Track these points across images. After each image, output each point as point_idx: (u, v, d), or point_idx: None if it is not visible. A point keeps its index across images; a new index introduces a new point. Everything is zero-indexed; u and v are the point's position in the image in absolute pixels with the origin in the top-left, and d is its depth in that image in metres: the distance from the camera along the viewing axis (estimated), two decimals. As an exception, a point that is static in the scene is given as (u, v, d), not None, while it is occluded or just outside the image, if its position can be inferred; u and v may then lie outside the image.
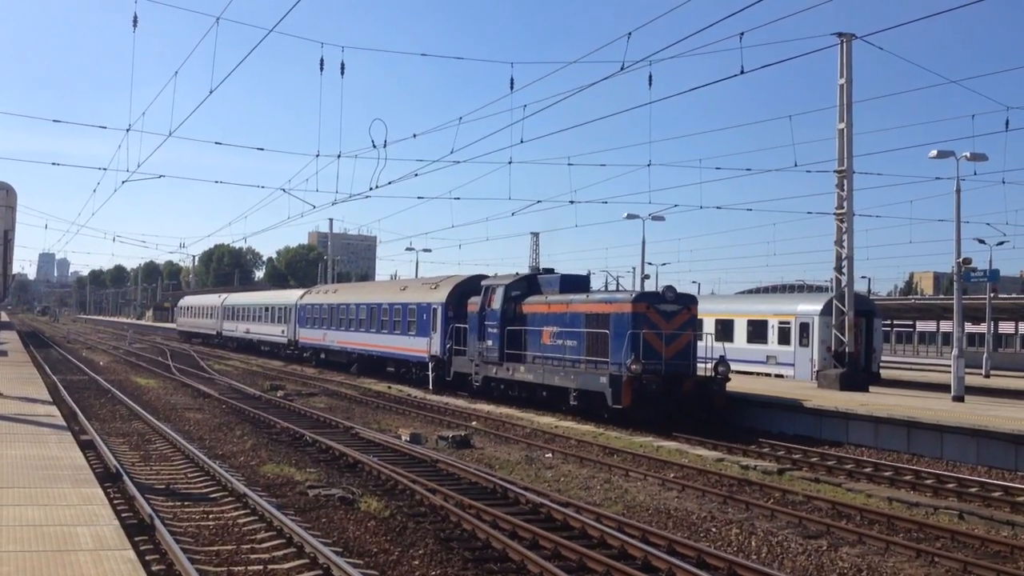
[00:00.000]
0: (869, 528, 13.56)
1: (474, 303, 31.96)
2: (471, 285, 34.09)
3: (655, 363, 24.30)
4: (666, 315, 24.97)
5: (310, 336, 49.10)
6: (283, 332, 53.71)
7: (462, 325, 32.61)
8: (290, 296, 55.31)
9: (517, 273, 31.72)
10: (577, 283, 30.18)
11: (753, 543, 12.58)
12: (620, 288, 57.15)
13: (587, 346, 26.10)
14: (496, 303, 30.28)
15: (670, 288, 25.75)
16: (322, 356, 47.88)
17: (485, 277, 34.33)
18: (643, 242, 57.13)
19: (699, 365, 25.99)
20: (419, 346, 36.10)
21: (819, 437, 23.23)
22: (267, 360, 53.69)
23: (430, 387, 34.56)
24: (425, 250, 78.66)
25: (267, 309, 57.67)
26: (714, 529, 13.39)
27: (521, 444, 21.78)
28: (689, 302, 25.90)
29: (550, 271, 31.43)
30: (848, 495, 16.14)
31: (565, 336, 27.22)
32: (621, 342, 24.45)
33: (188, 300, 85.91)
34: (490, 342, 30.36)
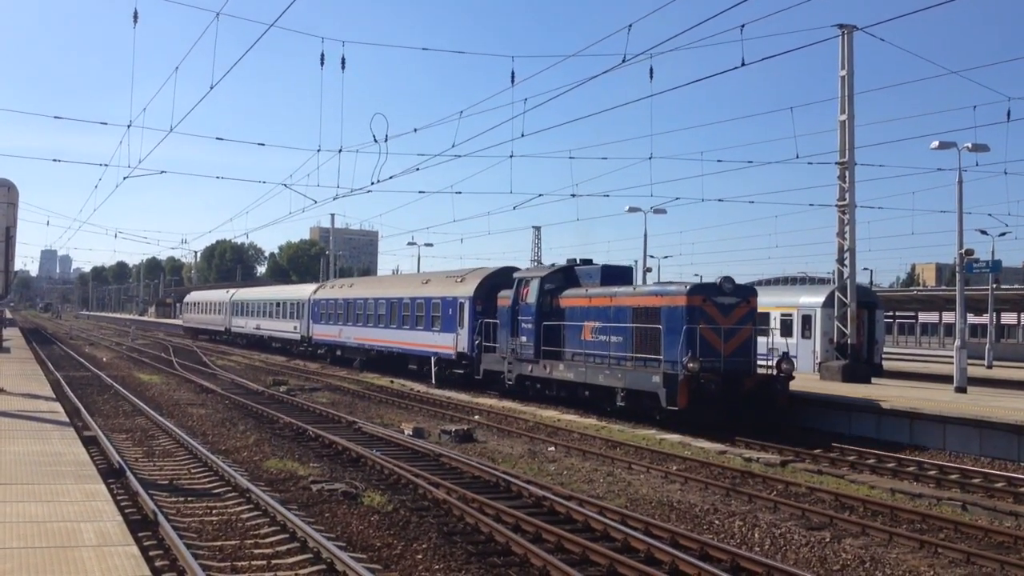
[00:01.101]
0: (872, 520, 13.56)
1: (505, 297, 30.40)
2: (500, 278, 32.70)
3: (713, 360, 22.43)
4: (724, 308, 23.11)
5: (324, 332, 47.69)
6: (295, 328, 52.33)
7: (491, 320, 31.19)
8: (303, 291, 53.80)
9: (553, 264, 30.09)
10: (620, 275, 28.41)
11: (756, 535, 12.58)
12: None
13: (635, 342, 24.28)
14: (531, 296, 28.64)
15: (728, 279, 23.65)
16: (337, 353, 46.46)
17: (514, 269, 33.04)
18: (645, 235, 57.23)
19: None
20: (444, 342, 34.55)
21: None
22: (270, 355, 53.73)
23: (433, 382, 34.57)
24: (427, 244, 78.77)
25: (278, 304, 56.20)
26: (717, 521, 13.39)
27: (524, 438, 21.79)
28: (748, 294, 23.95)
29: (588, 262, 29.51)
30: (851, 487, 16.14)
31: (609, 331, 25.31)
32: (675, 338, 22.62)
33: (195, 296, 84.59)
34: (524, 338, 28.70)
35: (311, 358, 48.97)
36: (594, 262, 29.33)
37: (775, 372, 23.13)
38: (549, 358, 27.54)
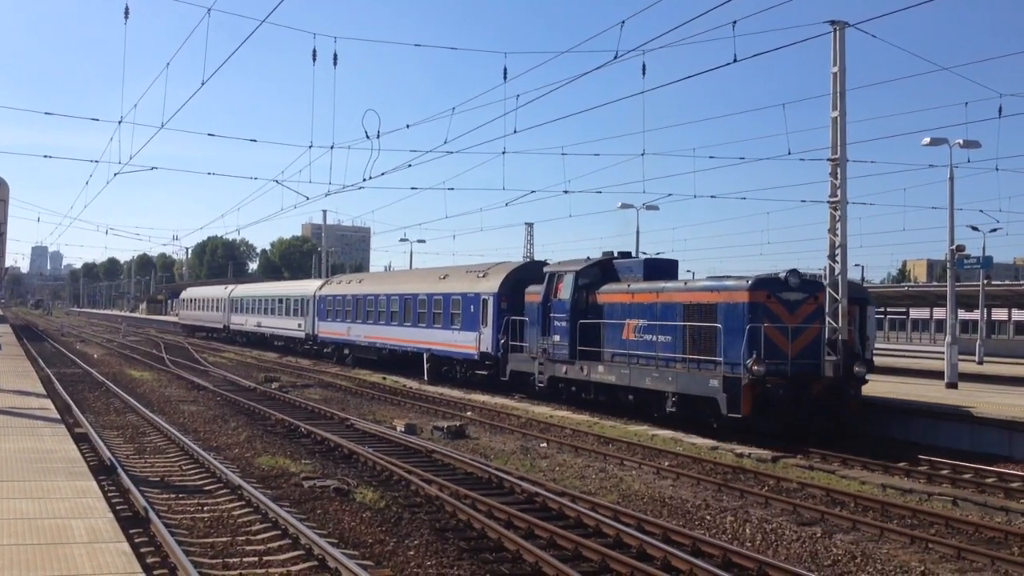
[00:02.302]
0: (863, 515, 13.61)
1: (534, 293, 28.47)
2: (526, 273, 30.98)
3: (779, 363, 20.41)
4: (790, 305, 21.14)
5: (331, 330, 45.61)
6: (300, 326, 50.18)
7: (519, 318, 29.30)
8: (307, 287, 51.68)
9: (588, 258, 28.00)
10: (664, 268, 26.29)
11: (748, 531, 12.61)
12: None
13: (687, 342, 22.22)
14: (564, 292, 26.66)
15: (794, 272, 21.65)
16: (345, 352, 44.45)
17: (541, 263, 31.11)
18: (637, 231, 57.57)
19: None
20: (465, 342, 32.53)
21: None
22: (263, 352, 53.61)
23: (425, 378, 34.54)
24: (419, 241, 78.88)
25: (281, 301, 54.07)
26: (709, 517, 13.42)
27: (516, 434, 21.81)
28: (816, 289, 21.91)
29: (627, 255, 27.76)
30: (842, 482, 16.19)
31: (656, 330, 23.27)
32: (735, 338, 20.60)
33: (191, 292, 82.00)
34: (557, 337, 26.74)
35: (318, 357, 47.34)
36: (633, 254, 27.46)
37: (847, 374, 20.97)
38: (586, 359, 25.56)
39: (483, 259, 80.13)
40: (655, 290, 23.94)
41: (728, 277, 22.72)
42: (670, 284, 23.95)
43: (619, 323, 24.82)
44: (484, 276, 32.66)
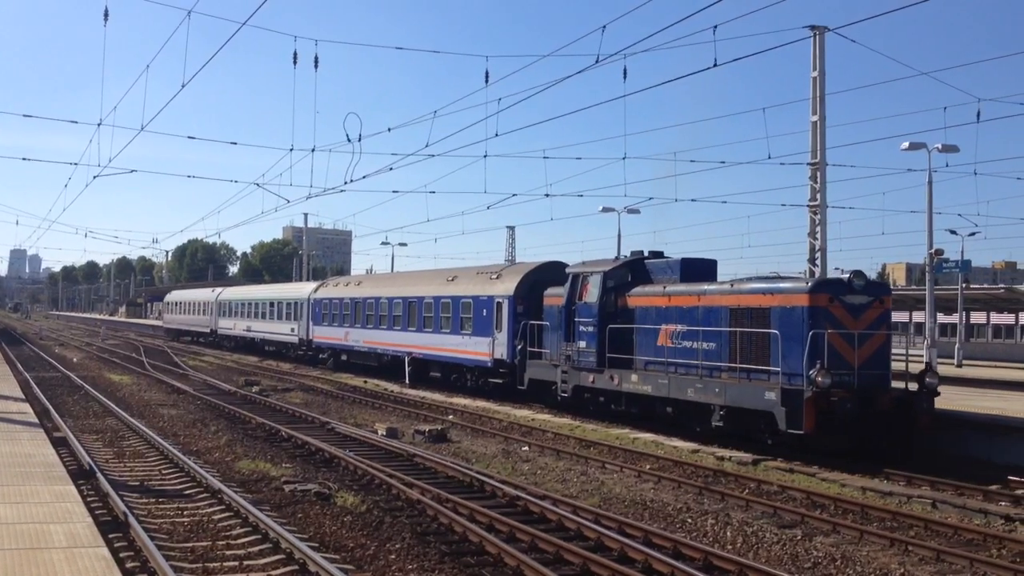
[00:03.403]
0: (843, 517, 13.67)
1: (554, 296, 26.74)
2: (544, 274, 29.18)
3: (843, 374, 18.48)
4: (854, 309, 19.04)
5: (327, 335, 43.71)
6: (293, 330, 48.25)
7: (537, 322, 27.40)
8: (301, 290, 49.77)
9: (617, 257, 26.21)
10: (703, 269, 24.15)
11: (728, 533, 12.65)
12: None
13: (734, 350, 20.26)
14: (591, 295, 24.72)
15: (859, 274, 19.61)
16: (343, 358, 42.31)
17: (560, 264, 29.29)
18: (619, 235, 57.43)
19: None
20: (477, 348, 30.62)
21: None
22: (243, 356, 53.39)
23: (406, 381, 34.46)
24: (401, 244, 78.60)
25: (272, 304, 52.06)
26: (690, 520, 13.46)
27: (498, 438, 21.80)
28: (881, 292, 20.05)
29: (659, 254, 25.53)
30: (822, 485, 16.26)
31: (697, 337, 21.32)
32: (793, 345, 18.71)
33: (176, 295, 79.49)
34: (583, 343, 24.82)
35: (313, 363, 45.52)
36: (665, 254, 25.54)
37: (916, 387, 19.19)
38: (617, 367, 23.50)
39: (464, 263, 80.00)
40: (696, 293, 21.92)
41: (784, 278, 21.03)
42: (713, 286, 21.83)
43: (653, 328, 22.87)
44: (498, 278, 30.91)
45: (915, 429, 18.87)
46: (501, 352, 29.36)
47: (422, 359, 34.59)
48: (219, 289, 68.31)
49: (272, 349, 52.78)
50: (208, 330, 64.39)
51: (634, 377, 22.92)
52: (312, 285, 49.33)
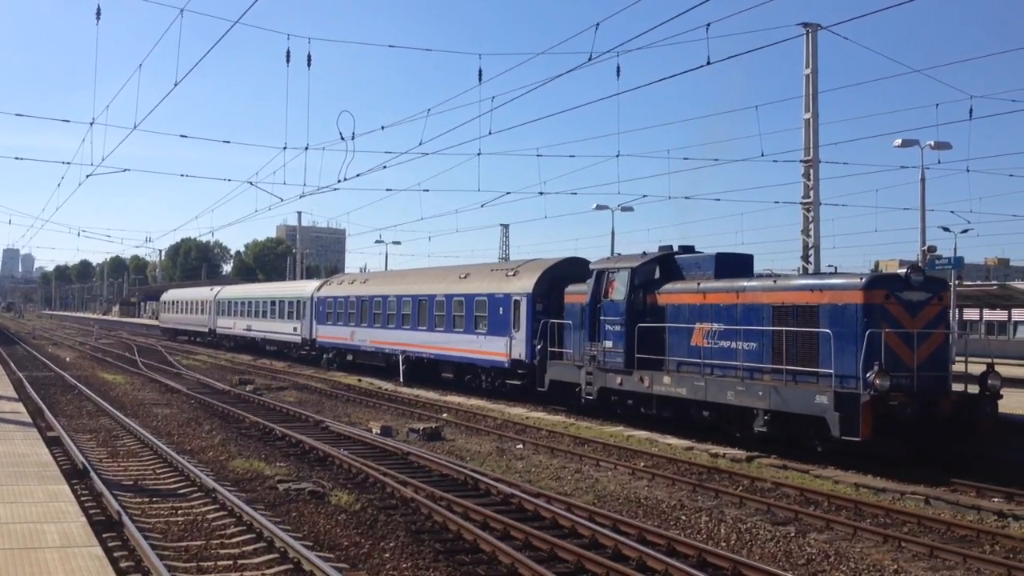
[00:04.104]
0: (837, 514, 13.70)
1: (576, 293, 25.68)
2: (563, 270, 28.30)
3: (903, 376, 17.32)
4: (912, 307, 17.79)
5: (332, 334, 42.56)
6: (295, 330, 47.10)
7: (557, 321, 26.51)
8: (304, 288, 48.52)
9: (644, 253, 24.53)
10: (739, 264, 22.80)
11: (722, 530, 12.68)
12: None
13: (778, 350, 19.11)
14: (618, 292, 23.56)
15: (916, 269, 18.60)
16: (349, 358, 41.24)
17: (581, 261, 28.64)
18: (612, 233, 57.73)
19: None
20: (493, 348, 29.62)
21: None
22: (236, 355, 53.31)
23: (400, 379, 34.45)
24: (395, 242, 78.63)
25: (274, 303, 50.81)
26: (684, 517, 13.48)
27: (492, 435, 21.81)
28: (940, 288, 18.88)
29: (689, 248, 24.16)
30: (816, 481, 16.29)
31: (735, 336, 20.17)
32: (846, 345, 17.53)
33: (173, 294, 78.09)
34: (609, 343, 23.64)
35: (316, 364, 44.43)
36: (696, 249, 24.31)
37: (978, 389, 18.06)
38: (646, 368, 22.33)
39: (459, 260, 79.99)
40: (734, 290, 20.69)
41: (834, 274, 20.06)
42: (754, 283, 20.62)
43: (687, 327, 21.74)
44: (515, 274, 29.86)
45: (978, 435, 17.67)
46: (519, 352, 28.39)
47: (434, 359, 33.64)
48: (218, 288, 67.16)
49: (273, 349, 51.83)
50: (206, 329, 63.30)
51: (666, 379, 21.65)
52: (315, 283, 48.30)
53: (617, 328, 23.48)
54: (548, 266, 29.18)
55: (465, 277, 32.85)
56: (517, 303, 28.78)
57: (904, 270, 18.61)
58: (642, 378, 22.36)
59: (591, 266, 25.58)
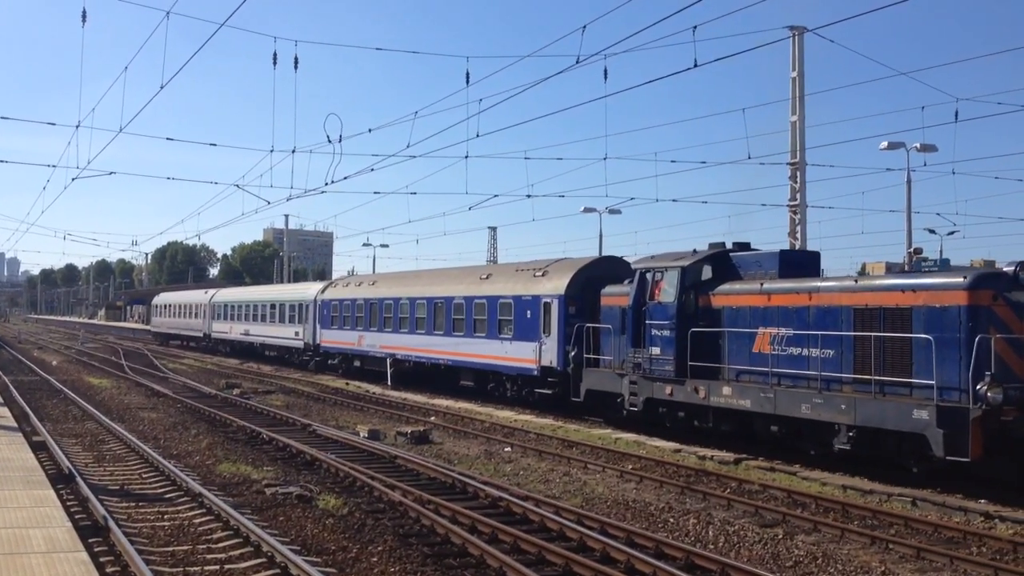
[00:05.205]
0: (824, 516, 13.73)
1: (615, 295, 23.63)
2: (598, 270, 26.21)
3: (1014, 387, 15.01)
4: (1020, 309, 15.63)
5: (337, 339, 40.59)
6: (297, 334, 45.11)
7: (593, 324, 24.41)
8: (306, 290, 46.51)
9: (694, 250, 22.29)
10: (805, 263, 20.89)
11: (710, 532, 12.69)
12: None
13: (861, 358, 16.95)
14: (666, 294, 21.46)
15: None
16: (356, 364, 39.12)
17: (616, 260, 27.12)
18: (600, 235, 57.76)
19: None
20: (520, 354, 27.49)
21: None
22: (223, 359, 53.11)
23: (388, 383, 34.39)
24: (383, 245, 78.61)
25: (274, 306, 48.71)
26: (672, 519, 13.49)
27: (480, 439, 21.78)
28: None
29: (745, 246, 22.10)
30: (803, 483, 16.31)
31: (808, 342, 18.12)
32: (949, 352, 15.41)
33: (165, 297, 75.39)
34: (656, 349, 21.46)
35: (321, 370, 42.12)
36: (751, 244, 22.32)
37: None
38: (700, 376, 20.31)
39: (447, 263, 79.94)
40: (806, 291, 18.62)
41: (924, 272, 18.12)
42: (830, 283, 18.64)
43: (748, 332, 19.67)
44: (544, 275, 27.72)
45: None
46: (550, 359, 26.19)
47: (452, 366, 31.65)
48: (213, 290, 64.90)
49: (273, 354, 49.54)
50: (201, 334, 61.16)
51: (726, 389, 19.58)
52: (319, 285, 46.34)
53: (666, 333, 21.39)
54: (581, 266, 27.18)
55: (487, 278, 30.95)
56: (547, 305, 26.74)
57: (1010, 267, 15.99)
58: (696, 388, 20.24)
59: (634, 265, 23.56)
